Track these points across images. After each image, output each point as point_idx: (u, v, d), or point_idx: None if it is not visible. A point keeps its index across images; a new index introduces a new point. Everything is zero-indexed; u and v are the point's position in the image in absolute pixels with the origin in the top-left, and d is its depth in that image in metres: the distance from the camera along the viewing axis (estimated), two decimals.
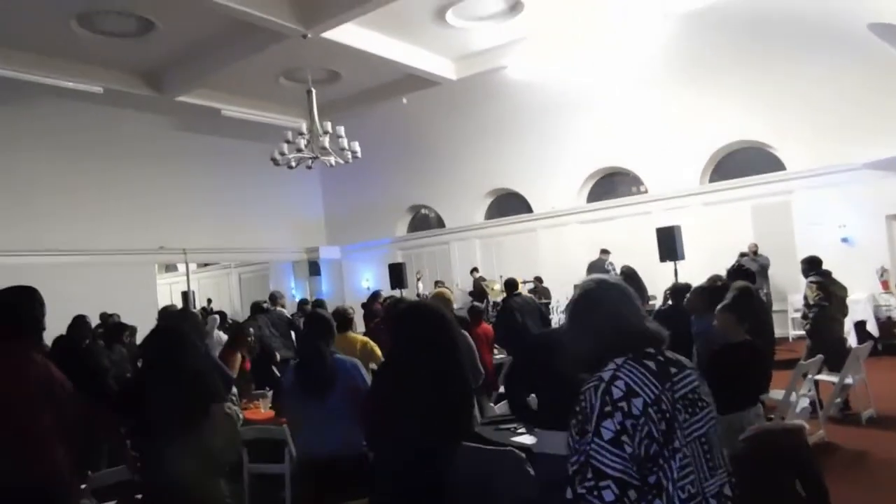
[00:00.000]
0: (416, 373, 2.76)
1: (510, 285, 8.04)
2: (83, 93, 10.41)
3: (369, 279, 16.90)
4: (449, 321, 2.92)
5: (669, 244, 9.52)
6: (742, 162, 12.07)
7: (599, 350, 1.71)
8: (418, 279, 14.93)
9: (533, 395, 3.23)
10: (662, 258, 9.60)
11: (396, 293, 11.94)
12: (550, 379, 2.62)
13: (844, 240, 10.62)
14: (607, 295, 1.82)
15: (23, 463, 2.72)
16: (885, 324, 9.42)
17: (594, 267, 12.22)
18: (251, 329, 6.12)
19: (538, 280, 12.80)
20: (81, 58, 9.92)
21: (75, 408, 2.95)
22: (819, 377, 5.99)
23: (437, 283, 12.73)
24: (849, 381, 6.03)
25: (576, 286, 1.92)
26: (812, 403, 5.70)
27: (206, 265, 19.01)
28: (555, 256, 13.57)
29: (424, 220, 16.97)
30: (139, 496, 3.24)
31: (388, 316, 7.06)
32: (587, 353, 1.75)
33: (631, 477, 1.51)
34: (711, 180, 12.34)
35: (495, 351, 7.18)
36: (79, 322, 6.44)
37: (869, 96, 9.82)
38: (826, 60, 9.88)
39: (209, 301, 17.33)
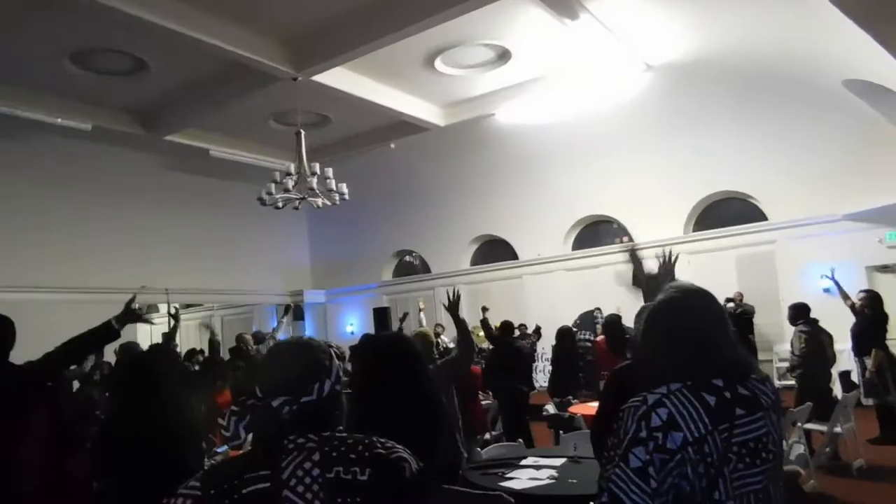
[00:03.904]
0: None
1: (507, 328, 7.95)
2: (71, 129, 10.32)
3: (354, 323, 16.72)
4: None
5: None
6: (725, 212, 12.24)
7: (659, 369, 1.53)
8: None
9: None
10: None
11: None
12: None
13: (826, 290, 10.69)
14: (687, 308, 1.61)
15: None
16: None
17: (585, 318, 12.14)
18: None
19: (524, 326, 12.70)
20: (72, 94, 9.90)
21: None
22: (808, 426, 5.94)
23: (437, 326, 12.54)
24: (838, 429, 5.98)
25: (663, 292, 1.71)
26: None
27: (188, 306, 18.73)
28: (541, 304, 13.54)
29: (410, 266, 16.93)
30: None
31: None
32: (647, 371, 1.58)
33: None
34: (695, 230, 12.47)
35: (480, 395, 7.06)
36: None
37: (848, 149, 10.06)
38: (804, 114, 10.13)
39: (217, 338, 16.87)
